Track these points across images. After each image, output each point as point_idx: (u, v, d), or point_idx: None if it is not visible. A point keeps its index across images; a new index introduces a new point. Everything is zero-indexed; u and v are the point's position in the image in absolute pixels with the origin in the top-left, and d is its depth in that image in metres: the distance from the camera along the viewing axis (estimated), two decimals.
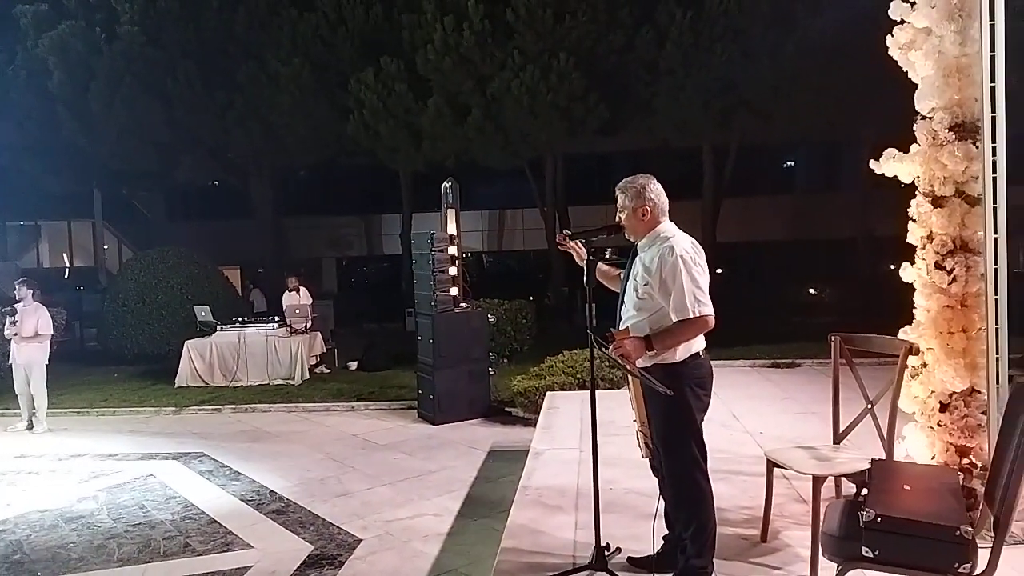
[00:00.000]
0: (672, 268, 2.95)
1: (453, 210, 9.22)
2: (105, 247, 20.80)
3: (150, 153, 15.33)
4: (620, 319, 3.18)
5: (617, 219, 3.22)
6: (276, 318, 11.09)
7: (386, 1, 15.04)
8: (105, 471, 6.76)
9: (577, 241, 3.36)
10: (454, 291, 8.33)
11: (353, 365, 11.43)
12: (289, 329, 10.79)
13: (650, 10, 13.75)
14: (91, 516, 5.61)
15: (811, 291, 16.72)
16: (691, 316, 2.93)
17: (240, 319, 11.07)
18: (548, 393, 7.17)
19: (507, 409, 8.27)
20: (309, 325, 11.02)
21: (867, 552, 2.28)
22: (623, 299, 3.21)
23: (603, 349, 3.00)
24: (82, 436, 8.10)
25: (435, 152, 14.73)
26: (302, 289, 11.64)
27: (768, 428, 5.58)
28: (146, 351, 12.31)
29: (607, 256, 3.49)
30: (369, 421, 8.36)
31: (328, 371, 11.22)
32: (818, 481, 3.18)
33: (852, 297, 15.02)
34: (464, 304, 8.67)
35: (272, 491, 6.00)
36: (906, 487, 2.58)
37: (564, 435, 5.64)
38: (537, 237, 18.97)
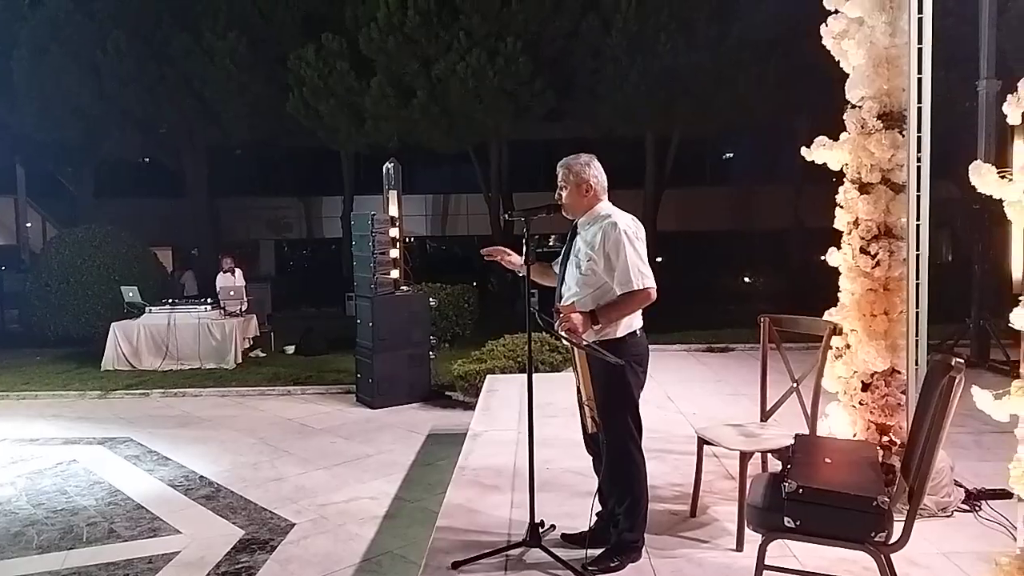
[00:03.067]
0: (615, 242, 3.01)
1: (395, 191, 9.10)
2: (28, 225, 19.76)
3: (77, 127, 14.60)
4: (561, 298, 3.20)
5: (557, 196, 3.23)
6: (209, 300, 10.75)
7: None
8: (25, 456, 6.45)
9: (503, 249, 3.40)
10: (395, 274, 8.23)
11: (290, 349, 11.20)
12: (223, 312, 10.48)
13: None
14: (8, 503, 5.35)
15: (746, 279, 17.17)
16: (635, 288, 2.99)
17: (171, 301, 10.70)
18: (488, 376, 7.17)
19: (447, 393, 8.24)
20: (244, 308, 10.73)
21: (789, 522, 2.35)
22: (563, 278, 3.23)
23: (550, 329, 3.03)
24: (1, 420, 7.71)
25: (378, 133, 14.48)
26: (237, 270, 11.32)
27: (700, 409, 5.71)
28: (71, 333, 11.80)
29: (551, 244, 3.49)
30: (306, 405, 8.20)
31: (264, 355, 10.96)
32: (744, 456, 3.28)
33: (784, 285, 15.50)
34: (405, 287, 8.58)
35: (202, 476, 5.82)
36: (827, 460, 2.67)
37: (503, 417, 5.65)
38: (481, 222, 18.92)
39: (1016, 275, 7.75)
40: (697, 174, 19.95)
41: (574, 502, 3.75)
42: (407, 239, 9.01)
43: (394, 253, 8.23)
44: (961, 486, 3.62)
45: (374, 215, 8.09)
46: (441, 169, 19.78)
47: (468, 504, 3.89)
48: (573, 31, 13.94)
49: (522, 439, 5.04)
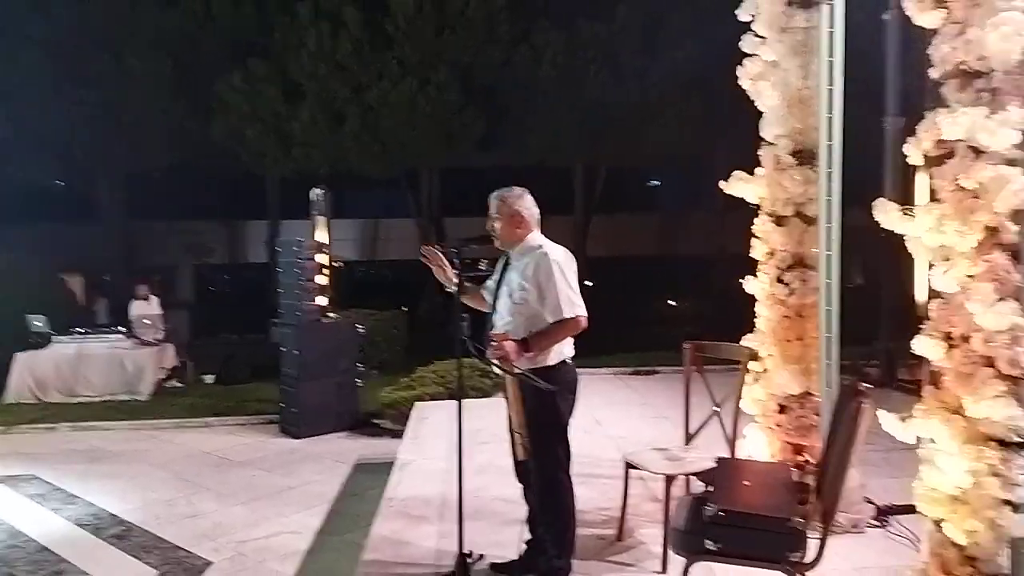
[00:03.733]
0: (547, 272, 3.08)
1: (323, 217, 8.98)
2: None
3: None
4: (494, 327, 3.23)
5: (489, 227, 3.28)
6: (122, 328, 10.27)
7: (257, 1, 14.45)
8: None
9: (442, 257, 3.34)
10: (322, 300, 8.08)
11: (210, 379, 10.77)
12: (137, 340, 10.02)
13: (527, 30, 14.07)
14: None
15: (671, 303, 17.61)
16: (566, 317, 3.06)
17: (81, 329, 10.16)
18: (417, 404, 7.08)
19: (375, 421, 8.07)
20: (160, 336, 10.28)
21: (710, 545, 2.41)
22: (495, 307, 3.26)
23: (481, 357, 3.04)
24: None
25: (308, 159, 14.27)
26: (152, 297, 10.84)
27: (627, 432, 5.79)
28: None
29: (481, 268, 3.51)
30: (225, 437, 7.89)
31: (181, 385, 10.50)
32: (669, 480, 3.35)
33: (707, 309, 15.96)
34: (332, 314, 8.43)
35: (112, 514, 5.50)
36: (746, 483, 2.76)
37: (432, 445, 5.59)
38: (412, 247, 18.75)
39: (920, 299, 8.25)
40: (624, 201, 20.43)
41: (504, 531, 3.73)
42: (335, 263, 8.84)
43: (321, 280, 8.09)
44: (872, 502, 3.78)
45: (301, 241, 7.95)
46: (371, 193, 19.58)
47: (395, 536, 3.82)
48: (505, 62, 14.16)
49: (451, 467, 4.95)
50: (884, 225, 2.70)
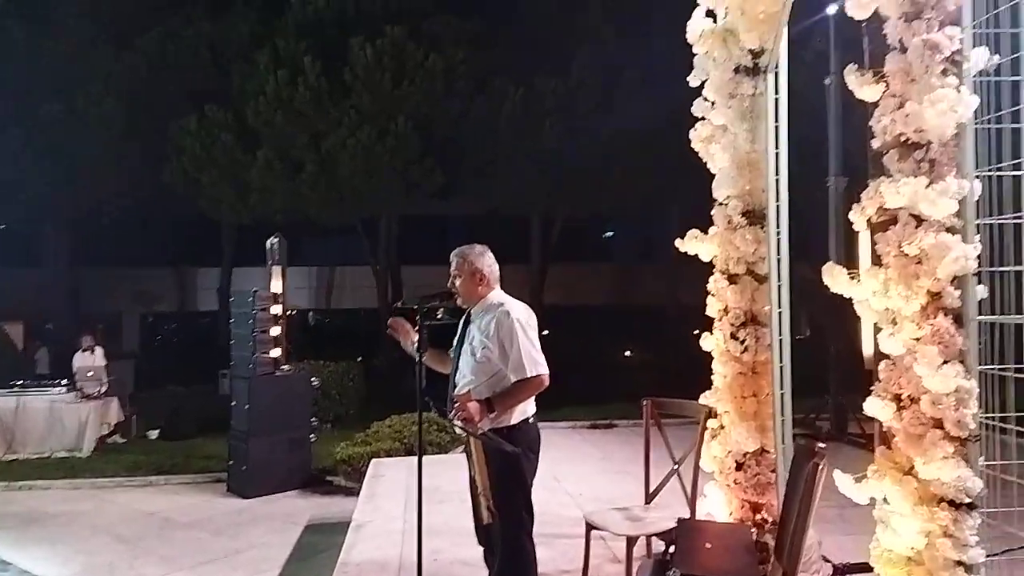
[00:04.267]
0: (509, 331, 3.08)
1: (279, 267, 8.85)
2: None
3: None
4: (456, 385, 3.21)
5: (451, 283, 3.30)
6: (64, 381, 9.86)
7: (215, 47, 14.45)
8: None
9: (402, 324, 3.39)
10: (276, 352, 7.91)
11: (154, 434, 10.36)
12: (79, 394, 9.63)
13: (484, 83, 14.35)
14: None
15: (627, 353, 17.75)
16: (529, 376, 3.07)
17: (20, 382, 9.73)
18: (373, 460, 6.92)
19: (329, 478, 7.85)
20: (103, 390, 9.90)
21: None
22: (457, 365, 3.24)
23: (443, 417, 3.02)
24: None
25: (264, 205, 14.14)
26: (97, 348, 10.48)
27: (587, 489, 5.75)
28: None
29: (439, 317, 3.51)
30: (169, 497, 7.58)
31: (123, 440, 10.08)
32: (631, 541, 3.32)
33: (661, 359, 16.13)
34: (286, 366, 8.25)
35: None
36: (707, 545, 2.75)
37: (388, 505, 5.45)
38: (368, 296, 18.64)
39: (867, 353, 8.49)
40: (580, 251, 20.73)
41: None
42: (289, 312, 8.68)
43: (276, 331, 7.94)
44: (828, 561, 3.81)
45: (256, 291, 7.81)
46: (327, 240, 19.46)
47: None
48: (463, 113, 14.37)
49: (409, 528, 4.86)
50: (833, 289, 2.79)
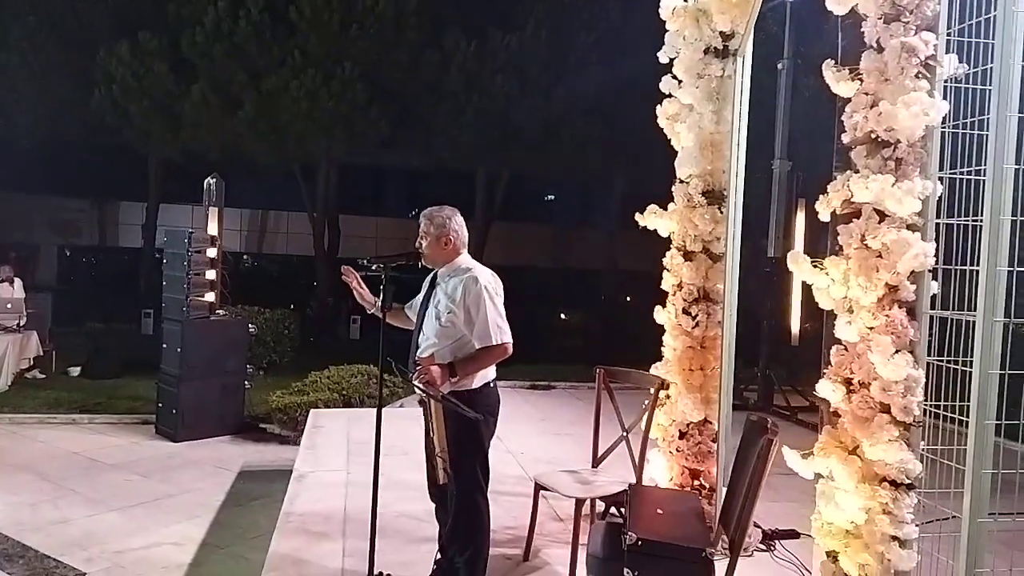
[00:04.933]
0: (476, 297, 3.08)
1: (216, 208, 8.54)
2: None
3: None
4: (418, 347, 3.20)
5: (417, 244, 3.27)
6: None
7: None
8: None
9: (356, 275, 3.33)
10: (211, 296, 7.69)
11: (75, 371, 9.97)
12: None
13: (437, 34, 13.99)
14: None
15: (562, 316, 18.02)
16: (494, 343, 3.10)
17: None
18: (312, 411, 6.85)
19: (262, 425, 7.76)
20: (22, 323, 9.42)
21: (628, 573, 2.50)
22: (421, 326, 3.23)
23: (404, 377, 3.01)
24: None
25: (197, 141, 13.50)
26: (16, 280, 9.93)
27: (528, 449, 5.88)
28: None
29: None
30: (95, 437, 7.34)
31: (43, 376, 9.67)
32: (580, 503, 3.44)
33: (596, 323, 16.47)
34: (221, 311, 8.03)
35: None
36: (659, 511, 2.89)
37: (329, 456, 5.44)
38: (304, 242, 18.19)
39: (794, 329, 8.88)
40: (523, 210, 20.76)
41: (410, 549, 3.71)
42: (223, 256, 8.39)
43: (211, 275, 7.70)
44: (758, 526, 4.05)
45: (192, 233, 7.53)
46: (262, 183, 18.74)
47: (296, 554, 3.69)
48: (412, 64, 14.01)
49: (351, 480, 4.89)
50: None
